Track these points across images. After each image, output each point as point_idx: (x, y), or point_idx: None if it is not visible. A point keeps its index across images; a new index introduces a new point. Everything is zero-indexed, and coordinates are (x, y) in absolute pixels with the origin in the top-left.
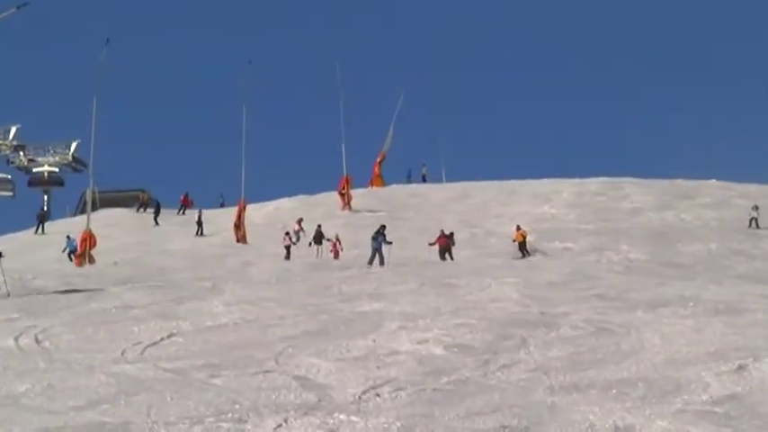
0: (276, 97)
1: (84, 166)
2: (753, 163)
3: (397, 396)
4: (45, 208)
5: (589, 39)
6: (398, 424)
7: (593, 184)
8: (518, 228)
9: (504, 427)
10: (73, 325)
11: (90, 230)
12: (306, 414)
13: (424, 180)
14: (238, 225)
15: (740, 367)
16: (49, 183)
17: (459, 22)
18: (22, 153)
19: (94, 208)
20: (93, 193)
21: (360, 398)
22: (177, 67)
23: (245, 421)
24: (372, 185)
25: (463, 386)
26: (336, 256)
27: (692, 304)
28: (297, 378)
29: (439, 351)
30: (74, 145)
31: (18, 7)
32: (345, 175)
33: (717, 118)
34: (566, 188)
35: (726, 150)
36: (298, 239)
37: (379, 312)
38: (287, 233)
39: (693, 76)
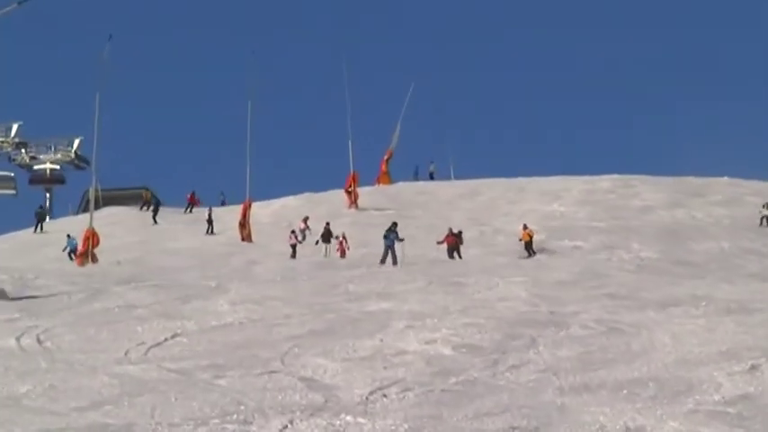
0: (282, 94)
1: (87, 163)
2: (764, 160)
3: (404, 397)
4: (43, 206)
5: (598, 38)
6: (406, 425)
7: (604, 181)
8: (525, 227)
9: (514, 429)
10: (75, 325)
11: (93, 229)
12: (312, 415)
13: (431, 177)
14: (243, 223)
15: (753, 367)
16: (50, 180)
17: (467, 20)
18: (23, 150)
19: (97, 206)
20: (96, 191)
21: (367, 399)
22: (181, 64)
23: (251, 422)
24: (379, 183)
25: (472, 387)
26: (343, 254)
27: (703, 303)
28: (303, 378)
29: (447, 351)
30: (76, 142)
31: (19, 2)
32: (352, 172)
33: (727, 115)
34: (575, 186)
35: (737, 147)
36: (304, 238)
37: (387, 312)
38: (293, 231)
39: (703, 73)
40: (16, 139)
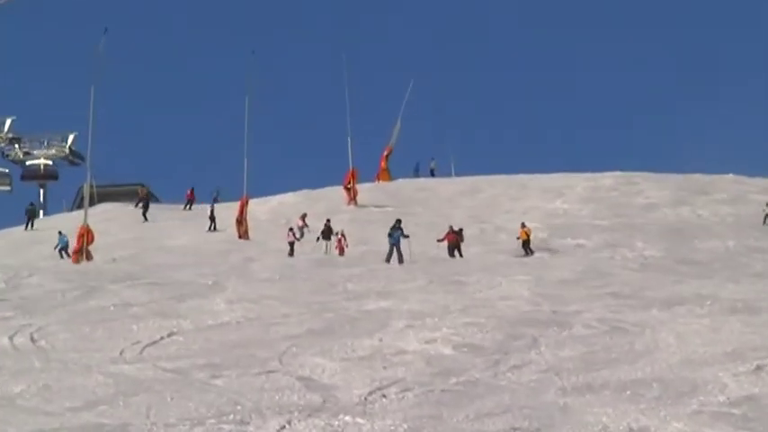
0: (280, 89)
1: (82, 159)
2: None
3: (404, 397)
4: (33, 203)
5: (600, 36)
6: (405, 426)
7: (606, 178)
8: (523, 225)
9: (515, 429)
10: (69, 323)
11: (87, 226)
12: (310, 415)
13: (432, 174)
14: (240, 220)
15: (758, 368)
16: (43, 176)
17: (467, 17)
18: (17, 146)
19: (92, 203)
20: (91, 187)
21: (366, 399)
22: (179, 58)
23: (248, 423)
24: (379, 180)
25: (472, 387)
26: (342, 252)
27: (708, 303)
28: (301, 378)
29: (447, 351)
30: (71, 138)
31: None
32: (351, 168)
33: (733, 112)
34: (578, 183)
35: (742, 144)
36: (302, 235)
37: (386, 311)
38: (291, 229)
39: (708, 69)
40: (9, 135)
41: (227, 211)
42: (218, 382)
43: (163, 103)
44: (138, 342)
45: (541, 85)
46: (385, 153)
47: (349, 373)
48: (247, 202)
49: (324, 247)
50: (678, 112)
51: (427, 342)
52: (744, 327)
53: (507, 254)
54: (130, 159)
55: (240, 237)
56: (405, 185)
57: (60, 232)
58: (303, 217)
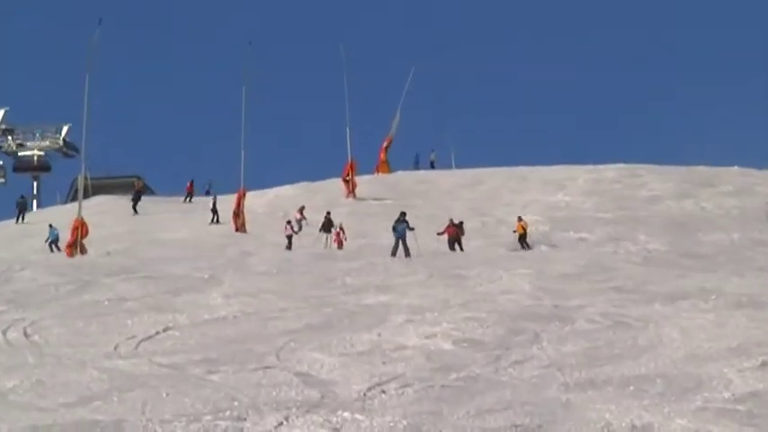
0: (278, 80)
1: (77, 151)
2: None
3: (403, 393)
4: (24, 196)
5: (603, 23)
6: (405, 422)
7: (609, 170)
8: (519, 218)
9: (516, 426)
10: (63, 318)
11: (82, 219)
12: (308, 412)
13: (432, 166)
14: (237, 213)
15: (764, 363)
16: (36, 168)
17: (468, 4)
18: (10, 137)
19: (86, 195)
20: (85, 179)
21: (365, 395)
22: (175, 49)
23: (245, 419)
24: (378, 172)
25: (473, 383)
26: (340, 245)
27: (713, 297)
28: (298, 374)
29: (448, 346)
30: (65, 129)
31: None
32: (350, 160)
33: (738, 103)
34: (581, 175)
35: (748, 136)
36: (300, 228)
37: (386, 305)
38: (288, 222)
39: (713, 60)
40: (3, 126)
41: (222, 204)
42: (215, 377)
43: (158, 94)
44: (133, 337)
45: (544, 76)
46: (384, 144)
47: (348, 368)
48: (244, 195)
49: (324, 241)
50: (682, 104)
51: (427, 337)
52: (749, 321)
53: (508, 247)
54: (125, 150)
55: (237, 230)
56: (404, 177)
57: (51, 225)
58: (301, 210)
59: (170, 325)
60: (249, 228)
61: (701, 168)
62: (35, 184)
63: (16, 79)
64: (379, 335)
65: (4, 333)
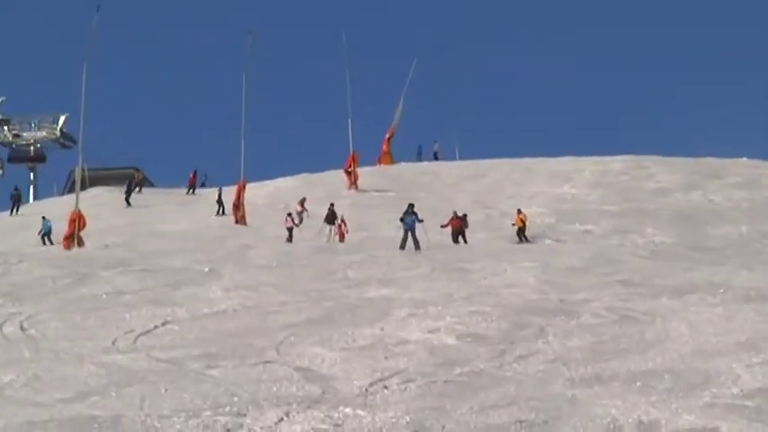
0: (279, 70)
1: (74, 142)
2: None
3: (406, 388)
4: (18, 188)
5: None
6: (408, 418)
7: (616, 162)
8: (519, 211)
9: (521, 422)
10: (60, 311)
11: (79, 211)
12: (309, 407)
13: (435, 158)
14: (237, 205)
15: None
16: (31, 159)
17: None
18: (6, 128)
19: (84, 187)
20: (83, 170)
21: (366, 390)
22: (174, 36)
23: (244, 415)
24: (380, 163)
25: (477, 378)
26: (342, 238)
27: (721, 291)
28: (299, 369)
29: (451, 340)
30: (62, 119)
31: None
32: (352, 152)
33: (746, 94)
34: (587, 166)
35: (756, 127)
36: (300, 221)
37: (388, 299)
38: (289, 214)
39: (721, 51)
40: None
41: (225, 196)
42: (214, 372)
43: (158, 83)
44: (131, 331)
45: (546, 76)
46: (387, 135)
47: (349, 363)
48: (245, 187)
49: (327, 233)
50: (690, 94)
51: (430, 331)
52: (757, 316)
53: (513, 240)
54: (123, 140)
55: (237, 222)
56: (407, 169)
57: (44, 217)
58: (302, 202)
59: (169, 319)
60: (249, 220)
61: (709, 160)
62: (31, 174)
63: (12, 68)
64: (382, 329)
65: (0, 327)
